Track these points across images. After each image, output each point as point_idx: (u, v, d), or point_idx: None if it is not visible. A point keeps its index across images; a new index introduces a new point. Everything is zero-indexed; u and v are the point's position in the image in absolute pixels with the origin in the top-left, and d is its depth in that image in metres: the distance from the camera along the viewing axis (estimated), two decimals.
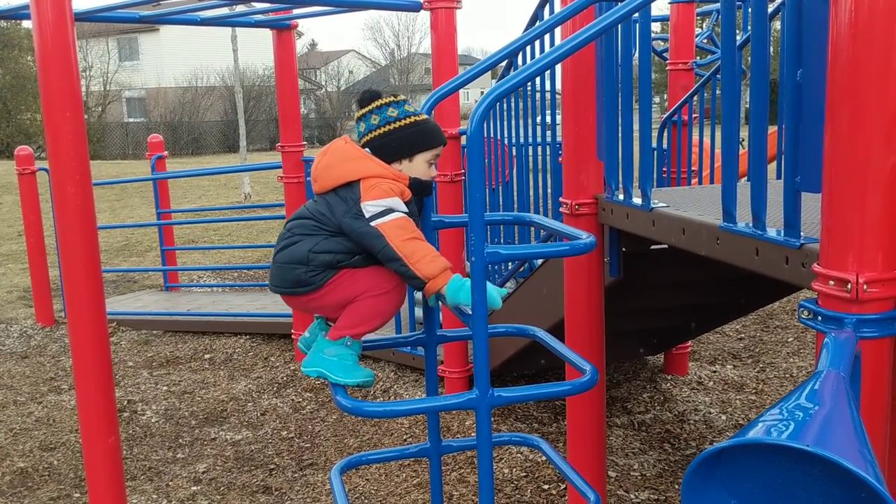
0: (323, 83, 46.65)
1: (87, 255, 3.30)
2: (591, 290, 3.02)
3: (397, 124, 2.16)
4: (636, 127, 2.87)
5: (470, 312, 1.87)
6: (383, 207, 2.05)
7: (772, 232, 2.07)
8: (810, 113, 1.85)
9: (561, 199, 3.02)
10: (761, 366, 5.47)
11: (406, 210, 2.09)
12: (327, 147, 2.21)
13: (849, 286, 1.66)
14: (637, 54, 2.95)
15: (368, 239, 2.05)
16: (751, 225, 2.13)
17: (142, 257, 10.25)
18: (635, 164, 2.82)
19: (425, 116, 2.23)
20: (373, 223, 2.05)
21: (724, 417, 4.67)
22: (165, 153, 8.14)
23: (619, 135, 2.83)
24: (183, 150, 33.71)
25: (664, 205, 2.61)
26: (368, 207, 2.05)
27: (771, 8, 3.78)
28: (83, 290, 3.31)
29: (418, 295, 6.27)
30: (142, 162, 20.74)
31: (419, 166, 2.19)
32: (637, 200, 2.71)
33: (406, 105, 2.20)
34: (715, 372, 5.37)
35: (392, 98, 2.21)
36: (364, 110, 2.20)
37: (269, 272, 2.25)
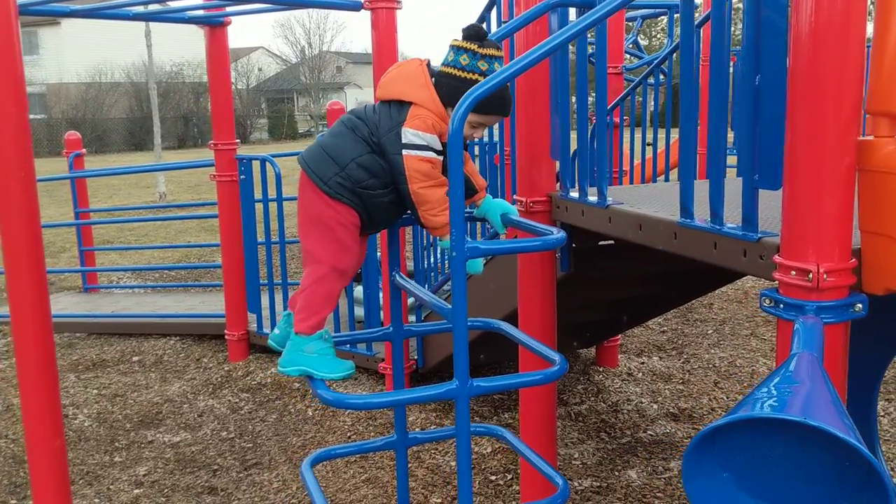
0: (233, 80, 45.76)
1: (31, 254, 3.22)
2: (545, 284, 3.12)
3: (463, 74, 2.14)
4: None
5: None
6: (419, 141, 2.11)
7: (729, 227, 2.20)
8: (769, 116, 1.98)
9: (515, 196, 3.11)
10: (685, 357, 5.72)
11: (440, 149, 2.14)
12: (403, 62, 2.25)
13: (810, 276, 1.80)
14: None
15: (398, 170, 2.13)
16: (709, 221, 2.26)
17: (55, 258, 9.90)
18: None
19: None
20: (404, 151, 2.11)
21: (655, 406, 4.87)
22: (83, 150, 7.91)
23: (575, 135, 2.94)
24: (86, 148, 32.54)
25: (619, 202, 2.73)
26: (408, 134, 2.11)
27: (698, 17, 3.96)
28: (27, 291, 3.24)
29: (358, 294, 6.20)
30: (43, 160, 19.91)
31: None
32: (592, 198, 2.83)
33: (482, 62, 2.14)
34: (643, 363, 5.58)
35: (478, 49, 2.14)
36: (459, 43, 2.16)
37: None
